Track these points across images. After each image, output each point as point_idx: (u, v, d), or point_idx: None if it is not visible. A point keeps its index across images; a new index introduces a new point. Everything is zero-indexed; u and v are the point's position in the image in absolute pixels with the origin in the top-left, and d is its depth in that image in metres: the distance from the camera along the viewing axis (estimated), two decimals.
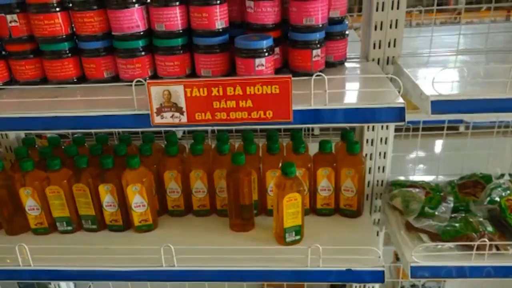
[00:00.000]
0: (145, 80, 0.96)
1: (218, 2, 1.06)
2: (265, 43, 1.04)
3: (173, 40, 1.11)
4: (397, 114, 0.94)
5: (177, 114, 0.97)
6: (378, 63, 1.25)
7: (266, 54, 1.05)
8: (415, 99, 1.04)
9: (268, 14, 1.10)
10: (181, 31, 1.10)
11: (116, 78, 1.18)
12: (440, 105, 0.94)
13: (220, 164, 1.31)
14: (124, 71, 1.14)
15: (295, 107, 0.95)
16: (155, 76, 1.17)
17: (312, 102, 0.95)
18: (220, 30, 1.09)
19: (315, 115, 0.96)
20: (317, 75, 0.95)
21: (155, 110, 0.97)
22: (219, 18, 1.08)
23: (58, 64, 1.15)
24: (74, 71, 1.17)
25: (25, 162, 1.26)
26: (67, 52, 1.14)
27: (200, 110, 0.97)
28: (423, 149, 1.73)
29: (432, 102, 0.94)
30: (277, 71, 1.16)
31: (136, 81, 0.97)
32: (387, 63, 1.25)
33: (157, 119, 0.98)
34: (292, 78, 1.13)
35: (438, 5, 3.85)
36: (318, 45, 1.11)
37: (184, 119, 0.97)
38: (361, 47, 1.28)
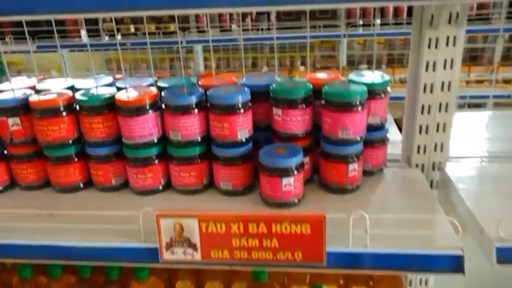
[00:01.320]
0: (154, 210, 0.83)
1: (242, 110, 0.94)
2: (295, 161, 0.90)
3: (190, 149, 0.98)
4: (454, 264, 0.77)
5: (189, 250, 0.83)
6: (423, 169, 1.09)
7: (295, 172, 0.91)
8: (471, 230, 0.87)
9: (298, 123, 0.96)
10: (199, 139, 0.98)
11: (125, 184, 1.05)
12: (510, 253, 0.77)
13: (239, 276, 1.16)
14: (135, 181, 1.02)
15: (330, 248, 0.80)
16: (168, 184, 1.04)
17: (350, 243, 0.80)
18: (243, 140, 0.96)
19: (353, 259, 0.80)
20: (357, 213, 0.79)
21: (164, 245, 0.83)
22: (241, 128, 0.95)
23: (62, 170, 1.03)
24: (79, 177, 1.05)
25: (24, 269, 1.14)
26: (73, 157, 1.03)
27: (216, 248, 0.82)
28: None
29: (497, 248, 0.78)
30: (306, 182, 1.01)
31: (143, 211, 0.83)
32: (433, 169, 1.09)
33: (167, 255, 0.84)
34: (326, 193, 0.99)
35: (472, 58, 3.66)
36: (355, 159, 0.96)
37: (197, 256, 0.83)
38: (402, 148, 1.13)
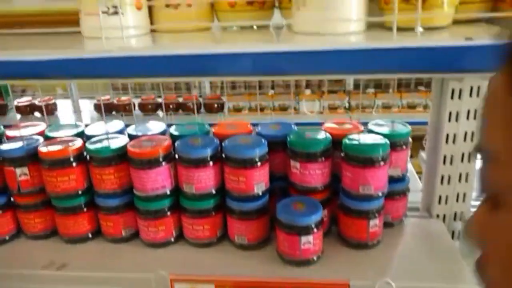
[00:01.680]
0: (167, 274, 0.79)
1: (259, 164, 0.90)
2: (314, 219, 0.86)
3: (204, 202, 0.95)
4: None
5: None
6: (444, 219, 1.05)
7: (315, 230, 0.87)
8: None
9: (316, 177, 0.93)
10: (213, 192, 0.94)
11: (136, 235, 1.01)
12: None
13: None
14: (146, 233, 0.98)
15: None
16: (180, 235, 1.00)
17: None
18: (259, 194, 0.92)
19: None
20: (383, 281, 0.75)
21: None
22: (258, 181, 0.92)
23: (71, 221, 0.99)
24: (88, 227, 1.01)
25: None
26: (82, 207, 0.99)
27: None
28: None
29: None
30: (324, 234, 0.97)
31: (157, 274, 0.80)
32: (454, 219, 1.05)
33: None
34: (345, 248, 0.96)
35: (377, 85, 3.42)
36: (376, 215, 0.92)
37: None
38: (422, 197, 1.09)
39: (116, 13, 0.78)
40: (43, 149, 0.95)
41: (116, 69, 0.65)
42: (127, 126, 1.11)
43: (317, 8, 0.70)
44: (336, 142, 0.94)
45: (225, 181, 0.94)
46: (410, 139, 0.98)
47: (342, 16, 0.70)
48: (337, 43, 0.63)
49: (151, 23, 0.86)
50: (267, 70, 0.64)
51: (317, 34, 0.72)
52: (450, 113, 0.96)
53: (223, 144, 0.93)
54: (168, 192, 0.95)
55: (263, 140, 0.93)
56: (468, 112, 0.96)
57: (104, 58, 0.65)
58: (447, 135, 0.98)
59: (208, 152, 0.91)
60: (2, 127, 1.09)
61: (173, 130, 1.03)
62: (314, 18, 0.71)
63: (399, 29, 0.68)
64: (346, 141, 0.91)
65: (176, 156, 0.94)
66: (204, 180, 0.92)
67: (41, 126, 1.10)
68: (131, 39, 0.78)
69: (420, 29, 0.68)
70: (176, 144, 0.94)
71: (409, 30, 0.69)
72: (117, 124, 1.09)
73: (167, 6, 0.85)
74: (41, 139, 1.01)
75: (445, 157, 1.00)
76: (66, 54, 0.67)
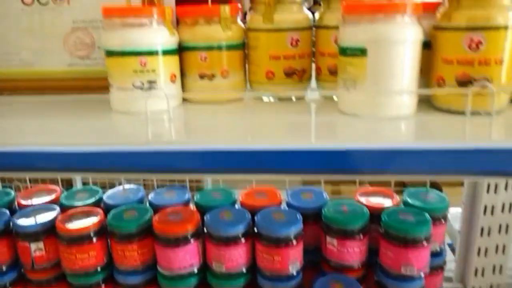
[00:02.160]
0: None
1: (295, 242, 0.85)
2: None
3: (234, 281, 0.89)
4: None
5: None
6: None
7: None
8: None
9: (354, 254, 0.88)
10: (244, 271, 0.88)
11: None
12: None
13: None
14: None
15: None
16: None
17: None
18: (294, 273, 0.87)
19: None
20: None
21: None
22: (293, 260, 0.86)
23: None
24: None
25: None
26: (100, 284, 0.92)
27: None
28: None
29: None
30: None
31: None
32: None
33: None
34: None
35: None
36: None
37: None
38: (456, 267, 1.05)
39: (151, 88, 0.74)
40: (61, 225, 0.88)
41: (151, 163, 0.58)
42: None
43: (370, 93, 0.66)
44: (373, 215, 0.90)
45: (257, 258, 0.88)
46: (447, 212, 0.94)
47: (397, 101, 0.66)
48: (398, 140, 0.59)
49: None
50: (314, 169, 0.58)
51: (368, 118, 0.68)
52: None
53: (255, 220, 0.88)
54: (196, 271, 0.89)
55: (298, 216, 0.88)
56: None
57: (146, 152, 0.59)
58: (485, 207, 0.95)
59: (241, 229, 0.86)
60: (12, 193, 1.02)
61: (198, 199, 0.98)
62: (366, 101, 0.68)
63: (449, 111, 0.66)
64: (386, 218, 0.86)
65: (205, 230, 0.88)
66: (235, 258, 0.86)
67: (55, 192, 1.03)
68: (164, 115, 0.73)
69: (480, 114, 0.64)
70: (205, 218, 0.88)
71: (459, 114, 0.65)
72: (136, 190, 1.03)
73: (202, 78, 0.81)
74: (57, 209, 0.95)
75: (482, 228, 0.96)
76: (94, 147, 0.59)
